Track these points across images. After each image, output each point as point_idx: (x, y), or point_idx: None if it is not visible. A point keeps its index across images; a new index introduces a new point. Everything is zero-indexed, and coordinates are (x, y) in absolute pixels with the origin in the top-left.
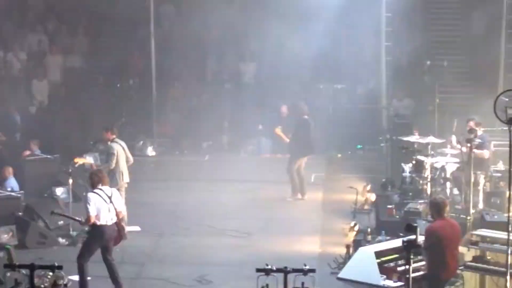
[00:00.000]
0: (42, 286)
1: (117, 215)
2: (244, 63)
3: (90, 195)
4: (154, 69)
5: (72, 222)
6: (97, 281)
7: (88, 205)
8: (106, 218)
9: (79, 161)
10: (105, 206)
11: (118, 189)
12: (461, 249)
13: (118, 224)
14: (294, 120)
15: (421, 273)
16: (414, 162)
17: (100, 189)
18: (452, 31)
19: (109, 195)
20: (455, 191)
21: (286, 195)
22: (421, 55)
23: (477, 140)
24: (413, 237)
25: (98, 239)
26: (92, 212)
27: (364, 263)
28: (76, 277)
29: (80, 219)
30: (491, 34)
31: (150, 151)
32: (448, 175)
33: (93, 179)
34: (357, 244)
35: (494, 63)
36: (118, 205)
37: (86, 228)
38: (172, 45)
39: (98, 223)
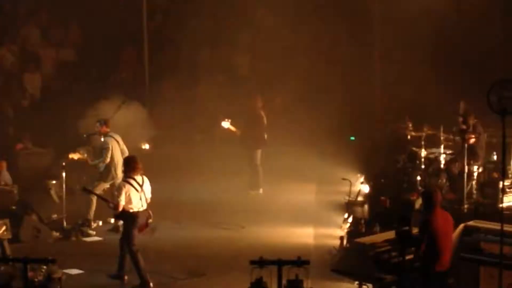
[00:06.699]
0: (36, 279)
1: (146, 202)
2: (238, 55)
3: (122, 183)
4: (147, 61)
5: (66, 216)
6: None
7: (119, 194)
8: (137, 205)
9: (73, 156)
10: (136, 195)
11: (115, 183)
12: (454, 240)
13: (147, 212)
14: (248, 113)
15: (414, 264)
16: (408, 153)
17: (133, 177)
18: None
19: (141, 183)
20: (449, 182)
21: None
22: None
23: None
24: (406, 228)
25: (133, 224)
26: (122, 201)
27: (357, 254)
28: (69, 271)
29: (110, 202)
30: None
31: (143, 144)
32: (442, 166)
33: (127, 167)
34: (351, 235)
35: (489, 50)
36: (148, 193)
37: (118, 216)
38: (165, 38)
39: (131, 210)
